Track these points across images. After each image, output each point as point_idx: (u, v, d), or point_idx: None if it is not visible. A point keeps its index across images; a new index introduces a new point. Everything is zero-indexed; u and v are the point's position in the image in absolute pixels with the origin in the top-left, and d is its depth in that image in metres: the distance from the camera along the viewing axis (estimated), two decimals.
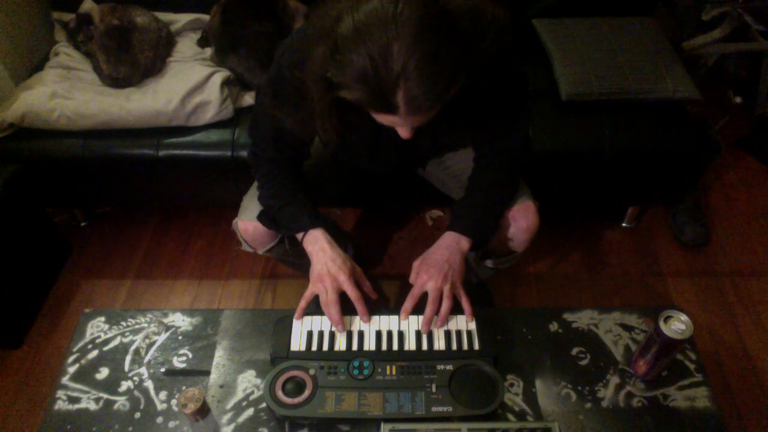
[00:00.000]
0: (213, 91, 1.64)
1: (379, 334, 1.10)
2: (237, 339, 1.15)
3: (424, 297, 1.13)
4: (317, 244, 1.15)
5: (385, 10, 0.76)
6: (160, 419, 1.03)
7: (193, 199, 1.91)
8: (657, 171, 1.73)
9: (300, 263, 1.41)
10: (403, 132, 0.94)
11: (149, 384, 1.08)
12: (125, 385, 1.08)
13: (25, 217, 1.74)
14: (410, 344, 1.09)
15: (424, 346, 1.09)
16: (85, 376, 1.09)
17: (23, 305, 1.76)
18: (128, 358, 1.12)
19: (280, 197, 1.19)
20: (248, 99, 1.73)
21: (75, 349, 1.13)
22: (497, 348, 1.08)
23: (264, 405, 1.04)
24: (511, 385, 1.07)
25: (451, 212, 1.22)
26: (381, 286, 1.84)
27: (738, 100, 2.19)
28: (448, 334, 1.10)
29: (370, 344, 1.09)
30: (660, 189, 1.85)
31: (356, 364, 1.05)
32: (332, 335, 1.10)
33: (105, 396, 1.07)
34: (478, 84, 0.88)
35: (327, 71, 0.82)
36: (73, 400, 1.06)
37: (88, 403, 1.06)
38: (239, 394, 1.07)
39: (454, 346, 1.08)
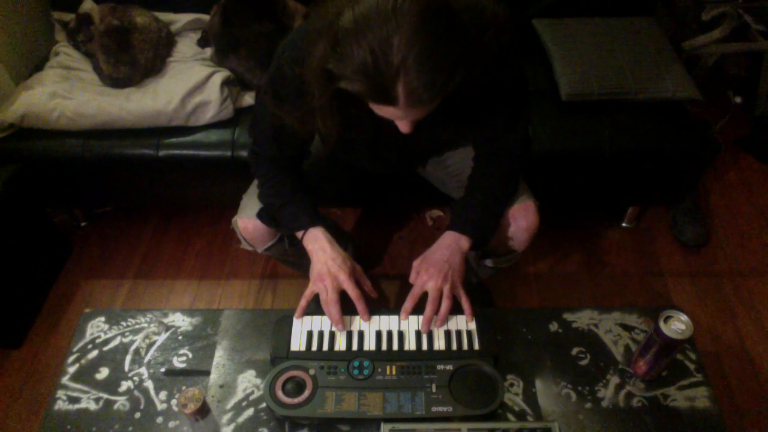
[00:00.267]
0: (213, 91, 1.64)
1: (379, 334, 1.10)
2: (237, 339, 1.15)
3: (424, 297, 1.13)
4: (317, 243, 1.15)
5: (385, 3, 0.77)
6: (160, 419, 1.03)
7: (193, 199, 1.91)
8: (657, 171, 1.73)
9: (300, 262, 1.41)
10: (403, 126, 0.94)
11: (149, 384, 1.08)
12: (125, 385, 1.08)
13: (25, 217, 1.74)
14: (410, 344, 1.09)
15: (424, 346, 1.09)
16: (85, 376, 1.09)
17: (23, 305, 1.76)
18: (128, 358, 1.12)
19: (280, 196, 1.19)
20: (248, 99, 1.73)
21: (75, 349, 1.13)
22: (497, 348, 1.08)
23: (264, 405, 1.04)
24: (511, 385, 1.07)
25: (450, 212, 1.22)
26: (381, 286, 1.84)
27: (738, 100, 2.19)
28: (448, 334, 1.10)
29: (370, 344, 1.09)
30: (660, 189, 1.85)
31: (356, 364, 1.05)
32: (332, 335, 1.10)
33: (105, 396, 1.07)
34: (478, 81, 0.88)
35: (327, 63, 0.83)
36: (73, 400, 1.06)
37: (88, 403, 1.06)
38: (239, 394, 1.07)
39: (454, 346, 1.08)
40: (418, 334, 1.10)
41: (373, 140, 1.15)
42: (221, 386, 1.08)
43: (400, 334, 1.10)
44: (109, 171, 1.73)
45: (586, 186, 1.80)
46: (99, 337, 1.16)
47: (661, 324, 0.98)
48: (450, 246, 1.15)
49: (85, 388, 1.08)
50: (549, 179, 1.71)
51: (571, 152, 1.65)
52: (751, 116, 2.19)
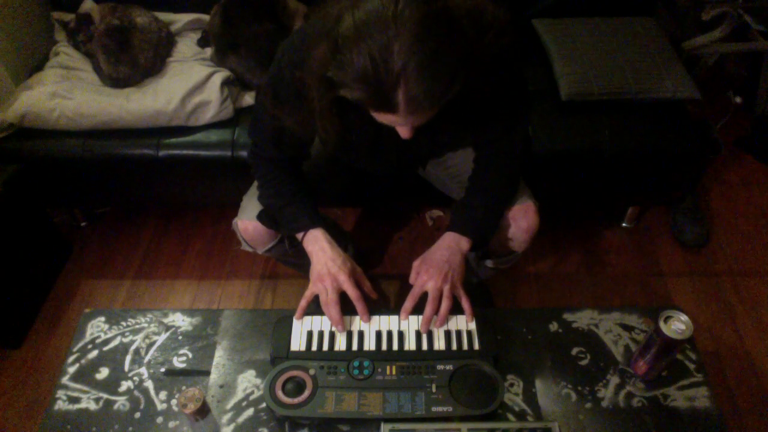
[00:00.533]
0: (213, 91, 1.64)
1: (379, 334, 1.10)
2: (237, 339, 1.15)
3: (424, 297, 1.13)
4: (317, 244, 1.15)
5: (385, 9, 0.76)
6: (160, 419, 1.03)
7: (193, 199, 1.91)
8: (657, 171, 1.73)
9: (300, 263, 1.41)
10: (403, 131, 0.94)
11: (149, 384, 1.08)
12: (125, 385, 1.08)
13: (25, 217, 1.74)
14: (410, 344, 1.09)
15: (424, 346, 1.09)
16: (85, 376, 1.09)
17: (23, 305, 1.76)
18: (128, 358, 1.12)
19: (280, 197, 1.19)
20: (248, 99, 1.73)
21: (75, 349, 1.13)
22: (497, 348, 1.09)
23: (264, 405, 1.04)
24: (511, 385, 1.07)
25: (451, 213, 1.22)
26: (381, 286, 1.84)
27: (738, 100, 2.19)
28: (448, 334, 1.10)
29: (370, 344, 1.09)
30: (660, 189, 1.85)
31: (356, 364, 1.05)
32: (332, 335, 1.10)
33: (105, 396, 1.07)
34: (479, 84, 0.88)
35: (327, 70, 0.82)
36: (73, 400, 1.06)
37: (88, 403, 1.06)
38: (239, 394, 1.07)
39: (454, 346, 1.09)
40: (418, 334, 1.10)
41: (373, 143, 1.15)
42: (221, 386, 1.08)
43: (400, 334, 1.10)
44: (109, 171, 1.73)
45: (586, 186, 1.80)
46: (99, 337, 1.16)
47: (661, 324, 0.98)
48: (450, 246, 1.15)
49: (85, 388, 1.08)
50: (549, 179, 1.71)
51: (571, 152, 1.65)
52: (751, 116, 2.19)
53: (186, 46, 1.85)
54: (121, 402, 1.06)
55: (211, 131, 1.68)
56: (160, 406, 1.05)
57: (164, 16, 1.86)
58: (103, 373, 1.10)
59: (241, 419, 1.03)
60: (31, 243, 1.78)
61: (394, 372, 1.04)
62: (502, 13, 0.89)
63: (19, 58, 1.84)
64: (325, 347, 1.09)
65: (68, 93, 1.66)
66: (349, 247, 1.77)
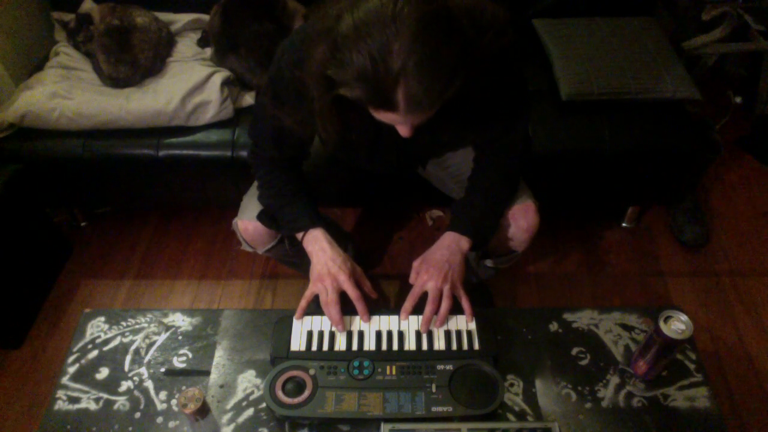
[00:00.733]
0: (213, 91, 1.64)
1: (379, 334, 1.10)
2: (237, 339, 1.15)
3: (424, 297, 1.13)
4: (317, 244, 1.15)
5: (385, 8, 0.76)
6: (160, 419, 1.03)
7: (193, 199, 1.91)
8: (657, 171, 1.73)
9: (300, 263, 1.41)
10: (403, 130, 0.94)
11: (149, 384, 1.08)
12: (125, 385, 1.08)
13: (25, 217, 1.74)
14: (410, 344, 1.09)
15: (424, 346, 1.09)
16: (85, 376, 1.09)
17: (23, 305, 1.76)
18: (128, 358, 1.12)
19: (280, 197, 1.19)
20: (248, 99, 1.73)
21: (75, 349, 1.13)
22: (497, 348, 1.09)
23: (264, 405, 1.04)
24: (511, 385, 1.07)
25: (450, 212, 1.22)
26: (381, 286, 1.84)
27: (738, 100, 2.19)
28: (448, 334, 1.10)
29: (370, 344, 1.09)
30: (660, 189, 1.85)
31: (356, 364, 1.05)
32: (332, 335, 1.10)
33: (105, 396, 1.07)
34: (478, 83, 0.88)
35: (327, 69, 0.82)
36: (73, 400, 1.06)
37: (88, 403, 1.06)
38: (239, 394, 1.07)
39: (454, 346, 1.09)
40: (418, 334, 1.10)
41: (373, 142, 1.15)
42: (221, 386, 1.08)
43: (400, 334, 1.10)
44: (109, 171, 1.73)
45: (586, 186, 1.80)
46: (99, 337, 1.16)
47: (661, 324, 0.98)
48: (450, 246, 1.15)
49: (85, 388, 1.08)
50: (549, 179, 1.71)
51: (571, 152, 1.65)
52: (751, 116, 2.19)
53: (186, 46, 1.85)
54: (121, 402, 1.06)
55: (211, 131, 1.68)
56: (160, 406, 1.05)
57: (164, 16, 1.86)
58: (103, 373, 1.10)
59: (241, 419, 1.03)
60: (31, 243, 1.78)
61: (394, 372, 1.04)
62: (501, 13, 0.89)
63: (19, 58, 1.84)
64: (325, 347, 1.09)
65: (68, 93, 1.66)
66: (349, 247, 1.77)
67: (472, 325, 1.11)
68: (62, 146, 1.66)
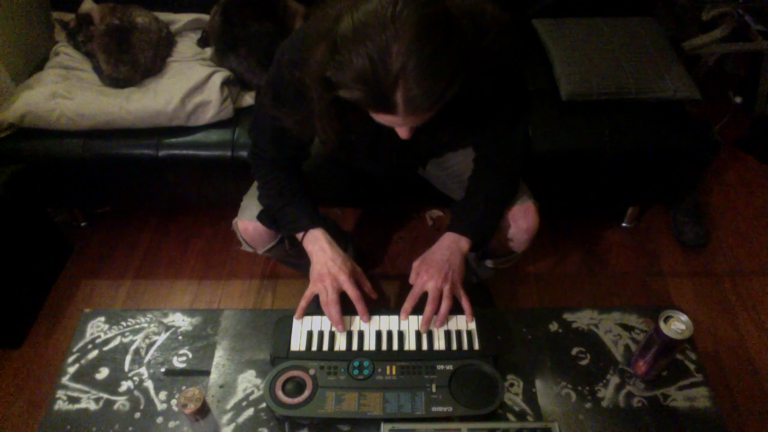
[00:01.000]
0: (213, 91, 1.64)
1: (379, 334, 1.10)
2: (237, 339, 1.15)
3: (424, 297, 1.13)
4: (317, 244, 1.15)
5: (384, 10, 0.76)
6: (160, 419, 1.03)
7: (193, 199, 1.91)
8: (657, 171, 1.73)
9: (300, 263, 1.41)
10: (403, 132, 0.94)
11: (149, 384, 1.08)
12: (125, 385, 1.08)
13: (25, 217, 1.74)
14: (410, 344, 1.09)
15: (424, 346, 1.09)
16: (85, 376, 1.09)
17: (23, 305, 1.76)
18: (128, 358, 1.12)
19: (280, 197, 1.19)
20: (248, 99, 1.73)
21: (75, 349, 1.13)
22: (497, 348, 1.09)
23: (264, 405, 1.04)
24: (511, 385, 1.07)
25: (451, 213, 1.22)
26: (381, 286, 1.84)
27: (738, 100, 2.19)
28: (448, 334, 1.10)
29: (370, 344, 1.09)
30: (660, 189, 1.85)
31: (356, 364, 1.05)
32: (332, 335, 1.10)
33: (105, 396, 1.07)
34: (478, 84, 0.88)
35: (326, 71, 0.82)
36: (73, 400, 1.06)
37: (88, 403, 1.06)
38: (239, 394, 1.07)
39: (454, 346, 1.08)
40: (418, 334, 1.10)
41: (373, 143, 1.15)
42: (221, 386, 1.08)
43: (400, 334, 1.10)
44: (109, 171, 1.73)
45: (586, 186, 1.80)
46: (99, 337, 1.16)
47: (661, 324, 0.98)
48: (450, 247, 1.15)
49: (85, 388, 1.08)
50: (549, 179, 1.71)
51: (571, 152, 1.65)
52: (751, 116, 2.19)
53: (186, 46, 1.85)
54: (121, 402, 1.06)
55: (211, 131, 1.68)
56: (160, 406, 1.05)
57: (164, 16, 1.86)
58: (103, 373, 1.10)
59: (241, 419, 1.03)
60: (31, 243, 1.78)
61: (394, 372, 1.04)
62: (501, 14, 0.89)
63: (19, 58, 1.84)
64: (325, 347, 1.09)
65: (68, 93, 1.66)
66: (349, 247, 1.77)
67: (472, 325, 1.11)
68: (62, 146, 1.66)
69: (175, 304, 1.81)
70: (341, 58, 0.79)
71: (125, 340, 1.15)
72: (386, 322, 1.12)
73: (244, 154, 1.63)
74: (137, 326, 1.17)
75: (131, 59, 1.70)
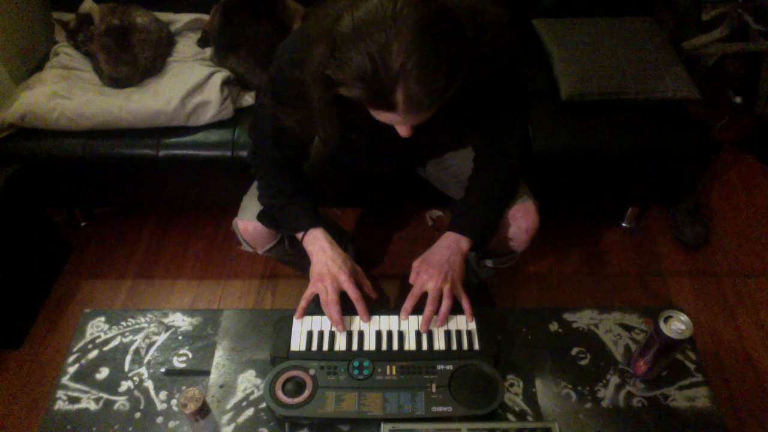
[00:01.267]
0: (213, 91, 1.64)
1: (379, 334, 1.10)
2: (237, 339, 1.15)
3: (424, 297, 1.13)
4: (317, 244, 1.15)
5: (384, 8, 0.76)
6: (160, 419, 1.03)
7: (193, 199, 1.91)
8: (657, 171, 1.73)
9: (300, 263, 1.41)
10: (403, 130, 0.94)
11: (149, 384, 1.08)
12: (125, 385, 1.08)
13: (25, 217, 1.74)
14: (410, 344, 1.09)
15: (424, 346, 1.09)
16: (85, 376, 1.09)
17: (23, 305, 1.76)
18: (128, 358, 1.12)
19: (280, 197, 1.19)
20: (248, 99, 1.73)
21: (75, 349, 1.13)
22: (497, 348, 1.08)
23: (264, 405, 1.04)
24: (511, 385, 1.07)
25: (450, 212, 1.22)
26: (381, 286, 1.84)
27: (738, 100, 2.19)
28: (448, 334, 1.10)
29: (370, 344, 1.09)
30: (660, 189, 1.85)
31: (356, 364, 1.05)
32: (332, 335, 1.10)
33: (105, 396, 1.07)
34: (478, 83, 0.88)
35: (326, 69, 0.82)
36: (73, 400, 1.06)
37: (88, 403, 1.06)
38: (239, 394, 1.07)
39: (454, 346, 1.08)
40: (418, 334, 1.10)
41: (373, 142, 1.15)
42: (221, 386, 1.08)
43: (400, 334, 1.10)
44: (109, 171, 1.73)
45: (586, 186, 1.80)
46: (99, 337, 1.16)
47: (661, 324, 0.98)
48: (450, 246, 1.15)
49: (85, 388, 1.08)
50: (549, 179, 1.71)
51: (571, 152, 1.65)
52: (751, 116, 2.19)
53: (186, 46, 1.85)
54: (121, 402, 1.06)
55: (211, 131, 1.68)
56: (160, 406, 1.05)
57: (164, 16, 1.86)
58: (103, 373, 1.10)
59: (241, 419, 1.03)
60: (31, 243, 1.78)
61: (394, 372, 1.04)
62: (501, 12, 0.89)
63: (19, 58, 1.84)
64: (325, 347, 1.09)
65: (68, 93, 1.66)
66: (349, 247, 1.77)
67: (472, 325, 1.11)
68: (62, 146, 1.66)
69: (175, 304, 1.81)
70: (341, 56, 0.79)
71: (125, 340, 1.15)
72: (386, 322, 1.12)
73: (244, 154, 1.63)
74: (137, 326, 1.17)
75: (131, 59, 1.70)
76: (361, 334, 1.11)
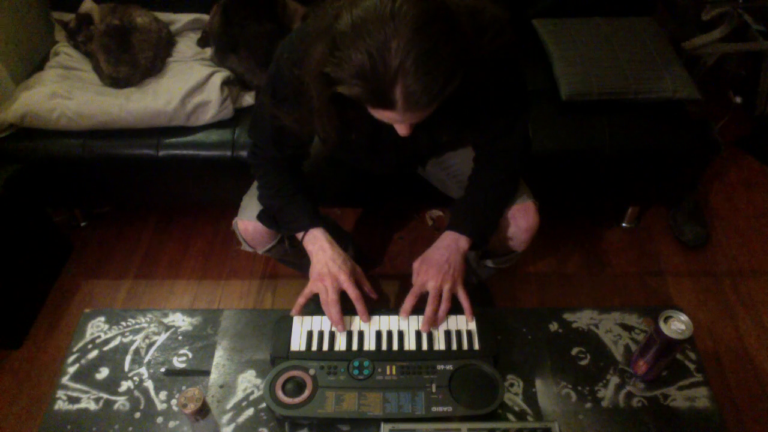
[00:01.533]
0: (213, 91, 1.64)
1: (379, 334, 1.10)
2: (237, 339, 1.15)
3: (424, 296, 1.13)
4: (317, 244, 1.15)
5: (383, 6, 0.77)
6: (160, 419, 1.03)
7: (193, 199, 1.91)
8: (657, 171, 1.73)
9: (300, 263, 1.41)
10: (402, 129, 0.94)
11: (149, 384, 1.08)
12: (125, 385, 1.08)
13: (25, 217, 1.74)
14: (410, 344, 1.09)
15: (424, 346, 1.09)
16: (85, 376, 1.09)
17: (23, 305, 1.76)
18: (128, 358, 1.12)
19: (280, 197, 1.19)
20: (248, 99, 1.73)
21: (75, 349, 1.13)
22: (497, 348, 1.08)
23: (264, 405, 1.04)
24: (511, 385, 1.07)
25: (450, 212, 1.23)
26: (381, 286, 1.84)
27: (738, 100, 2.19)
28: (448, 334, 1.10)
29: (370, 344, 1.09)
30: (660, 189, 1.85)
31: (356, 364, 1.05)
32: (332, 335, 1.10)
33: (105, 396, 1.07)
34: (477, 83, 0.88)
35: (326, 67, 0.82)
36: (73, 400, 1.06)
37: (88, 403, 1.06)
38: (239, 394, 1.07)
39: (454, 346, 1.08)
40: (418, 334, 1.10)
41: (372, 141, 1.15)
42: (221, 386, 1.08)
43: (400, 334, 1.10)
44: (109, 171, 1.73)
45: (586, 186, 1.80)
46: (99, 337, 1.16)
47: (661, 324, 0.98)
48: (449, 246, 1.15)
49: (85, 388, 1.08)
50: (549, 179, 1.71)
51: (571, 152, 1.65)
52: (751, 116, 2.19)
53: (186, 46, 1.85)
54: (121, 402, 1.06)
55: (211, 131, 1.68)
56: (160, 406, 1.05)
57: (164, 16, 1.86)
58: (103, 373, 1.10)
59: (241, 419, 1.03)
60: (31, 243, 1.78)
61: (394, 372, 1.04)
62: (500, 12, 0.89)
63: (19, 58, 1.84)
64: (325, 347, 1.09)
65: (68, 93, 1.66)
66: (349, 247, 1.77)
67: (472, 325, 1.11)
68: (62, 146, 1.66)
69: (175, 304, 1.81)
70: (340, 54, 0.79)
71: (125, 340, 1.15)
72: (386, 322, 1.12)
73: (244, 154, 1.63)
74: (137, 326, 1.17)
75: (131, 59, 1.70)
76: (361, 334, 1.11)
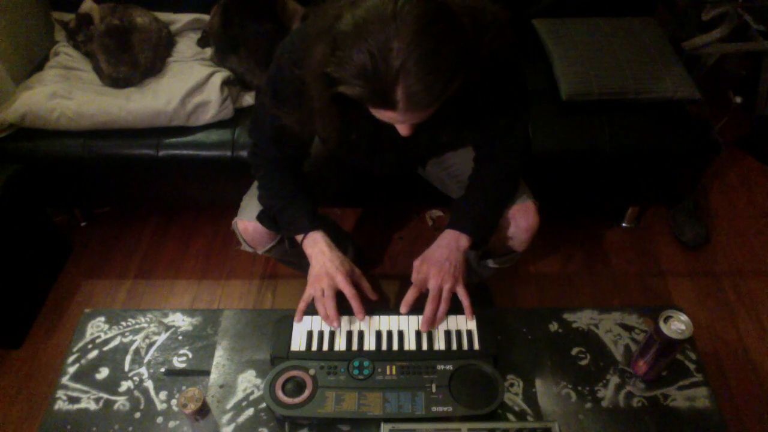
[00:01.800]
0: (213, 91, 1.64)
1: (379, 334, 1.10)
2: (237, 339, 1.15)
3: (423, 295, 1.13)
4: (316, 247, 1.15)
5: (385, 6, 0.77)
6: (160, 419, 1.03)
7: (193, 199, 1.91)
8: (657, 171, 1.73)
9: (300, 263, 1.41)
10: (403, 129, 0.94)
11: (149, 384, 1.08)
12: (125, 385, 1.08)
13: (25, 217, 1.74)
14: (410, 344, 1.09)
15: (424, 346, 1.09)
16: (85, 376, 1.09)
17: (23, 305, 1.76)
18: (128, 358, 1.12)
19: (280, 198, 1.19)
20: (248, 99, 1.73)
21: (75, 349, 1.13)
22: (497, 348, 1.08)
23: (264, 405, 1.04)
24: (511, 385, 1.07)
25: (450, 211, 1.23)
26: (381, 286, 1.84)
27: (738, 100, 2.19)
28: (448, 334, 1.10)
29: (370, 344, 1.09)
30: (660, 189, 1.85)
31: (356, 364, 1.05)
32: (332, 335, 1.10)
33: (105, 396, 1.07)
34: (478, 83, 0.88)
35: (327, 67, 0.82)
36: (73, 400, 1.06)
37: (88, 403, 1.06)
38: (239, 394, 1.07)
39: (454, 346, 1.08)
40: (418, 334, 1.10)
41: (373, 141, 1.15)
42: (221, 386, 1.08)
43: (400, 334, 1.10)
44: (109, 171, 1.73)
45: (586, 186, 1.80)
46: (99, 337, 1.16)
47: (661, 324, 0.98)
48: (449, 245, 1.15)
49: (85, 388, 1.08)
50: (549, 179, 1.71)
51: (571, 152, 1.65)
52: (751, 116, 2.19)
53: (186, 46, 1.85)
54: (121, 402, 1.06)
55: (211, 131, 1.68)
56: (160, 406, 1.05)
57: (164, 16, 1.86)
58: (103, 373, 1.10)
59: (241, 419, 1.03)
60: (31, 243, 1.78)
61: (394, 372, 1.04)
62: (501, 12, 0.89)
63: (19, 58, 1.84)
64: (325, 347, 1.09)
65: (68, 93, 1.66)
66: (349, 249, 1.77)
67: (472, 325, 1.11)
68: (62, 146, 1.66)
69: (175, 304, 1.81)
70: (342, 54, 0.79)
71: (125, 340, 1.15)
72: (386, 322, 1.12)
73: (244, 154, 1.63)
74: (137, 326, 1.17)
75: (131, 59, 1.70)
76: (361, 334, 1.11)
